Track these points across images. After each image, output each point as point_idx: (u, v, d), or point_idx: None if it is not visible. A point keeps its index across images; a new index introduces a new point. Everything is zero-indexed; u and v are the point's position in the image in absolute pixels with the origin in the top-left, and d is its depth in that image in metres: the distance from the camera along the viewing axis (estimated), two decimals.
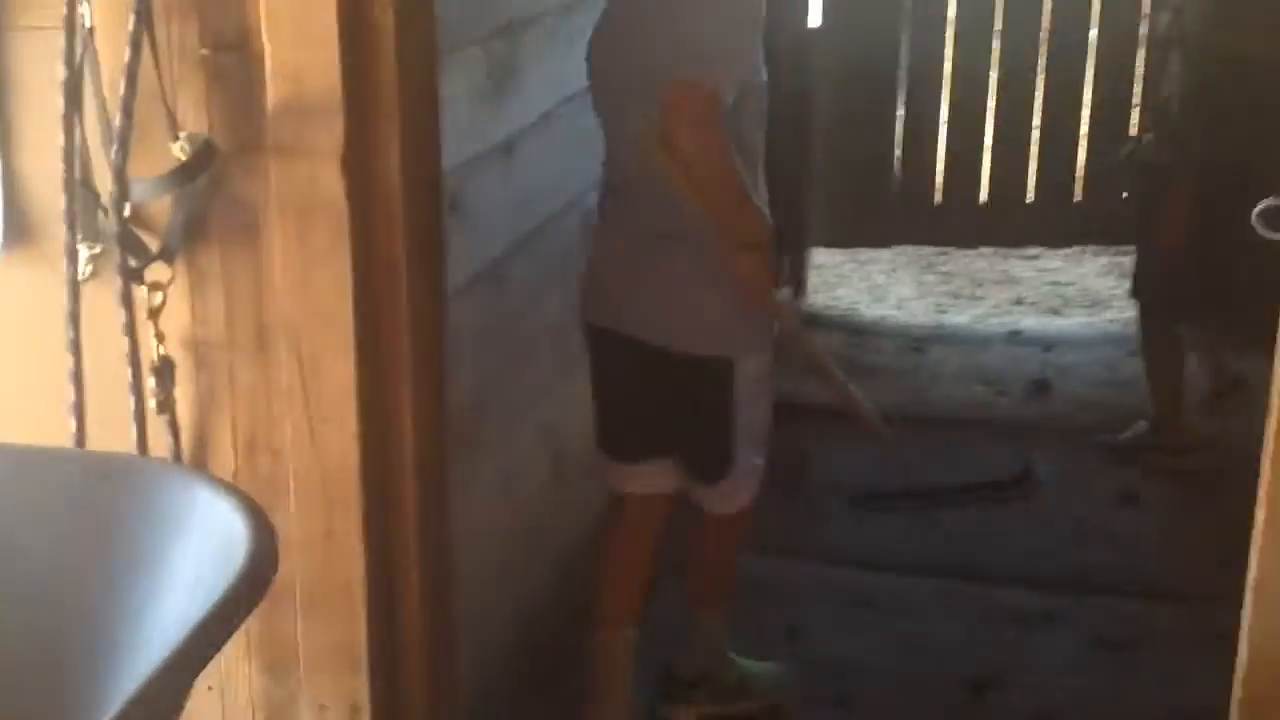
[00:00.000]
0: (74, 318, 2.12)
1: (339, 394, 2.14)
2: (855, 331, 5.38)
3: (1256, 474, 1.90)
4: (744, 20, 2.75)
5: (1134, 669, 3.21)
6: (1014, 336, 5.29)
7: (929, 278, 6.38)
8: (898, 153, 6.18)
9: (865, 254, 6.49)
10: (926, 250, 6.54)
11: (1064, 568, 3.66)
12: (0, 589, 1.76)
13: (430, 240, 2.19)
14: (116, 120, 2.04)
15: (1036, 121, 6.20)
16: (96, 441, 2.16)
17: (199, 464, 2.23)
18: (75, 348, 2.13)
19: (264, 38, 2.02)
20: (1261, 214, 1.80)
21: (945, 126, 6.33)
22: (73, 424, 2.15)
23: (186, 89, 2.09)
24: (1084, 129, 6.11)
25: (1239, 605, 1.76)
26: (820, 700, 3.16)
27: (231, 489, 1.69)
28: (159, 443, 2.19)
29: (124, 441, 2.16)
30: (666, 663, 3.17)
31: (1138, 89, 5.75)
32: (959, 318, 5.67)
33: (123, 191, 2.05)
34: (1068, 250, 6.56)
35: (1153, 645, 3.29)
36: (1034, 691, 3.16)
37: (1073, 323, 5.55)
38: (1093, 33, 6.04)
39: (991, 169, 6.27)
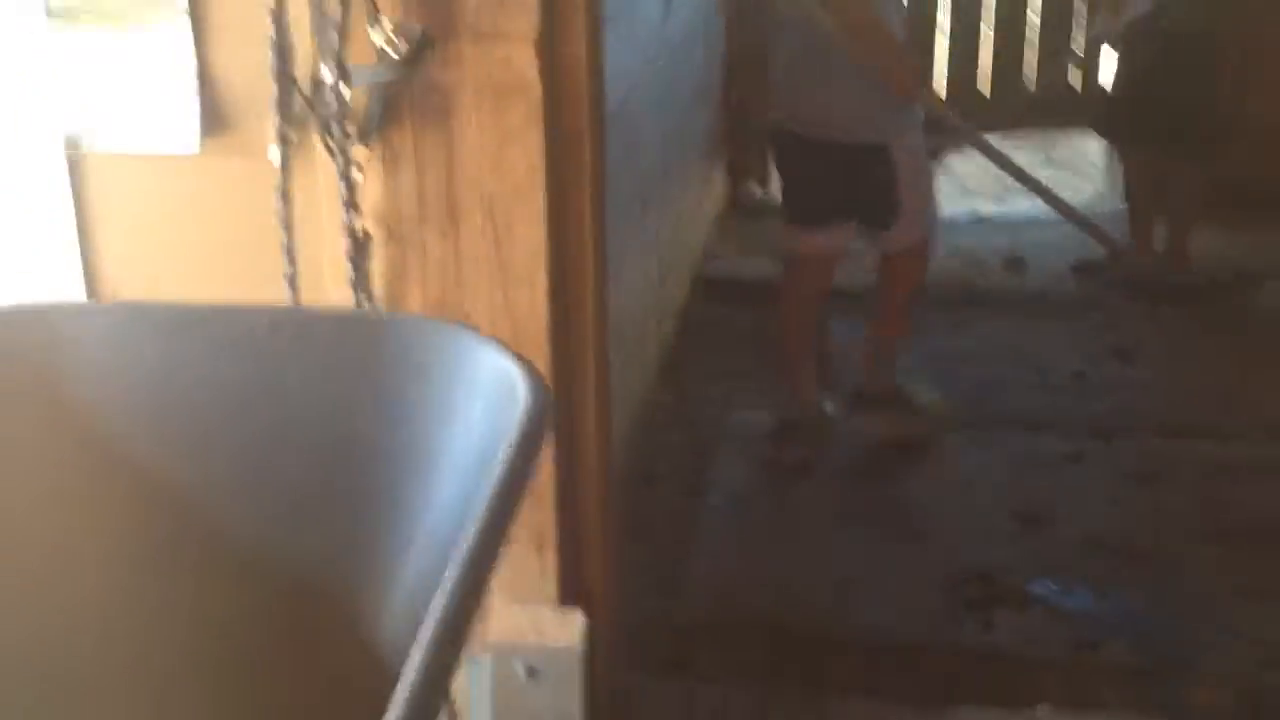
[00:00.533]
0: (285, 195, 2.32)
1: (530, 259, 2.37)
2: None
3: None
4: None
5: (1166, 498, 3.59)
6: (980, 220, 5.63)
7: None
8: None
9: None
10: None
11: (1079, 413, 4.04)
12: (282, 443, 1.83)
13: (602, 117, 2.42)
14: (331, 7, 2.22)
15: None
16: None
17: None
18: (287, 223, 2.33)
19: None
20: None
21: None
22: (289, 293, 2.35)
23: None
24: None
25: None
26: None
27: (497, 342, 1.71)
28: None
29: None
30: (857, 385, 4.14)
31: None
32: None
33: (343, 76, 2.24)
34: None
35: (1178, 476, 3.67)
36: (1078, 522, 3.52)
37: (1034, 205, 5.90)
38: None
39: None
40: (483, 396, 1.68)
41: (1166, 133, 4.65)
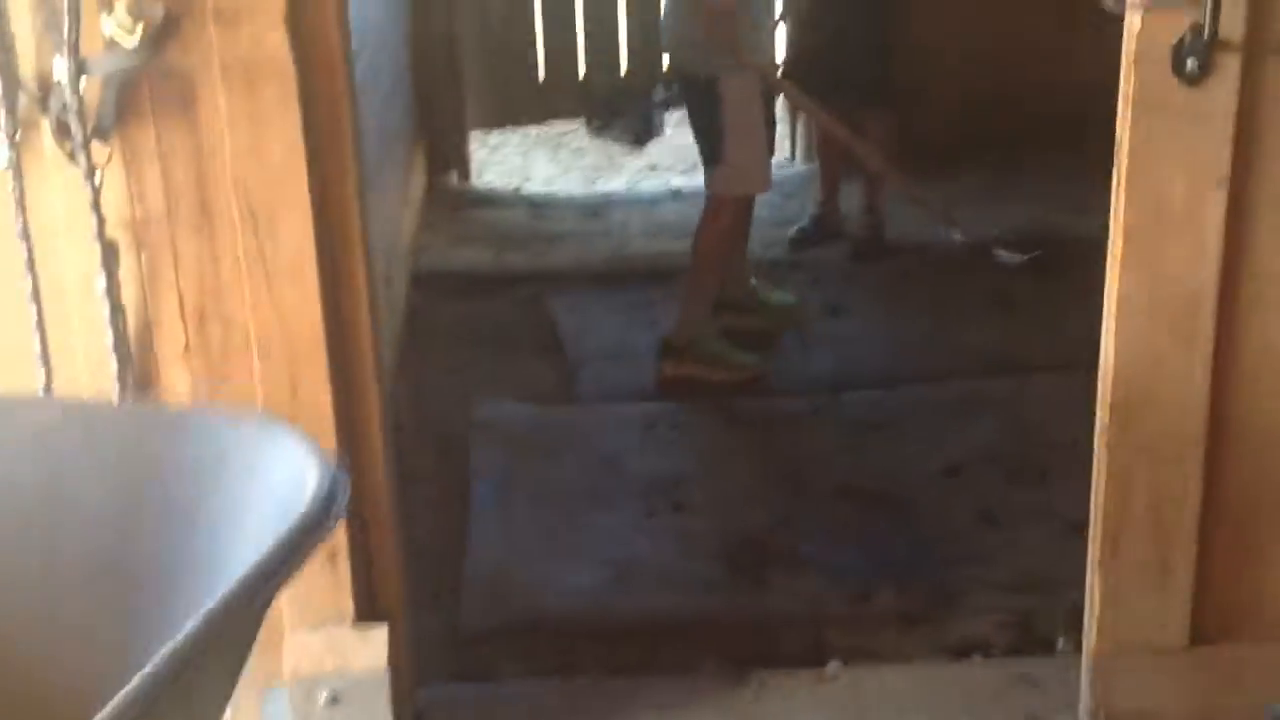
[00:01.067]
0: (21, 203, 2.11)
1: (296, 251, 2.22)
2: (533, 205, 5.63)
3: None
4: None
5: (898, 443, 3.72)
6: (677, 194, 5.68)
7: (564, 155, 6.68)
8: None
9: (494, 138, 6.72)
10: (549, 131, 6.85)
11: (805, 372, 4.14)
12: (56, 542, 1.68)
13: (355, 95, 2.29)
14: None
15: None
16: (54, 324, 2.17)
17: (145, 344, 2.26)
18: (24, 234, 2.12)
19: None
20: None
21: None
22: (33, 310, 2.14)
23: None
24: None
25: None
26: None
27: (297, 433, 1.59)
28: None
29: (83, 326, 2.18)
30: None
31: None
32: (614, 185, 6.01)
33: (79, 68, 2.05)
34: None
35: (904, 420, 3.80)
36: (827, 477, 3.59)
37: None
38: None
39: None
40: (274, 495, 1.56)
41: (845, 83, 4.74)
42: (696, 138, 4.20)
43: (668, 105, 6.31)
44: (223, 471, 1.61)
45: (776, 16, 4.28)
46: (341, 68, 2.20)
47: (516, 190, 5.92)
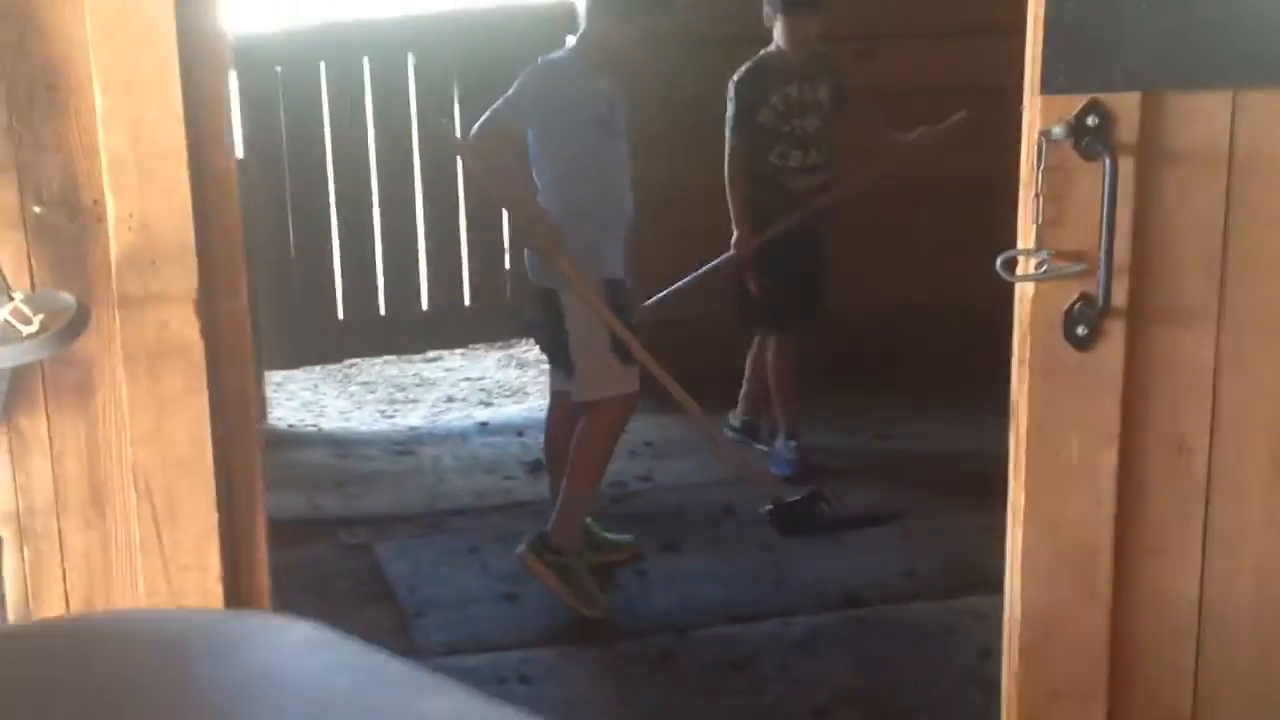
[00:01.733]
0: None
1: (199, 539, 2.11)
2: (337, 444, 5.50)
3: None
4: None
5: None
6: (484, 427, 5.64)
7: (354, 389, 6.58)
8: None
9: (278, 375, 6.58)
10: (331, 366, 6.74)
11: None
12: None
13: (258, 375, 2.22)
14: None
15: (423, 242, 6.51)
16: None
17: None
18: None
19: (106, 190, 1.99)
20: (1004, 263, 2.30)
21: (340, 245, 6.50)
22: None
23: (6, 248, 2.00)
24: (464, 246, 6.48)
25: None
26: None
27: None
28: None
29: None
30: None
31: None
32: (414, 420, 5.93)
33: None
34: (463, 350, 7.02)
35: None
36: None
37: (521, 408, 5.99)
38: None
39: (385, 285, 6.51)
40: None
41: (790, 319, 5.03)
42: (547, 349, 4.34)
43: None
44: None
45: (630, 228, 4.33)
46: (249, 349, 2.12)
47: (316, 428, 5.78)
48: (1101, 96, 2.21)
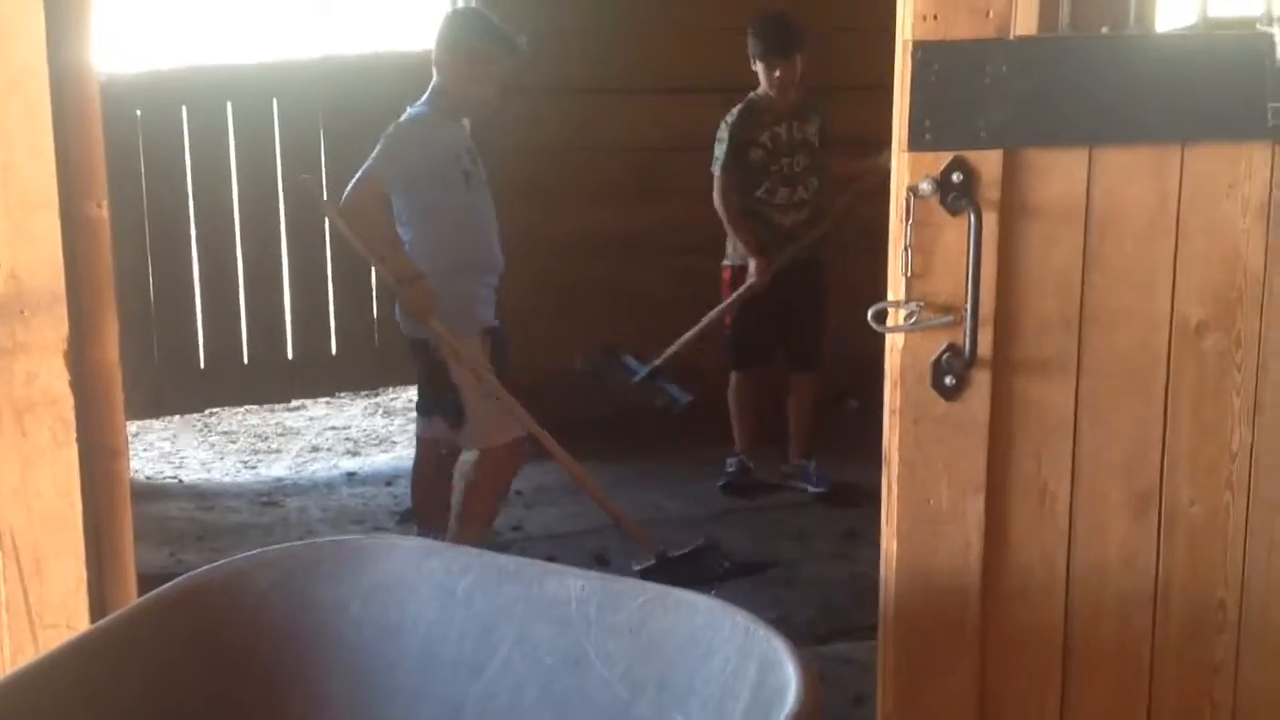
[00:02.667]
0: None
1: (66, 597, 2.06)
2: (201, 496, 5.40)
3: None
4: None
5: None
6: (352, 478, 5.58)
7: (214, 438, 6.48)
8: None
9: (133, 425, 6.45)
10: (191, 416, 6.62)
11: None
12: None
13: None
14: None
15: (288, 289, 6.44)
16: None
17: None
18: None
19: None
20: (875, 314, 2.35)
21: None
22: None
23: None
24: (330, 294, 6.42)
25: None
26: None
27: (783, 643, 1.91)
28: None
29: None
30: None
31: None
32: (278, 471, 5.85)
33: None
34: (328, 399, 6.94)
35: None
36: None
37: (389, 457, 5.94)
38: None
39: (248, 332, 6.43)
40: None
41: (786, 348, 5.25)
42: (433, 399, 4.31)
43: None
44: (711, 659, 1.97)
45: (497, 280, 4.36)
46: (119, 400, 2.09)
47: (177, 479, 5.67)
48: (965, 154, 2.28)
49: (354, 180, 4.11)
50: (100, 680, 1.89)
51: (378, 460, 5.96)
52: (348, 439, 6.42)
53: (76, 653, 1.86)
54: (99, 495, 2.07)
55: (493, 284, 4.30)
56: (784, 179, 5.14)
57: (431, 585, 2.19)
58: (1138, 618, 2.50)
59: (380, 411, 6.81)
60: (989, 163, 2.29)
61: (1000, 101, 2.29)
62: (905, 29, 2.25)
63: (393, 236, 4.12)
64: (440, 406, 4.26)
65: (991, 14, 2.25)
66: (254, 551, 2.24)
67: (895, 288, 2.31)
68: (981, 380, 2.34)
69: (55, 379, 1.99)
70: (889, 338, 2.34)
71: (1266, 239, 2.44)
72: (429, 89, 4.30)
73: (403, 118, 4.29)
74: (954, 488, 2.37)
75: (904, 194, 2.28)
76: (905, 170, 2.28)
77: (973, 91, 2.27)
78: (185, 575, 2.12)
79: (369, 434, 6.50)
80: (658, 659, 2.03)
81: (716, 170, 5.13)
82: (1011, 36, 2.27)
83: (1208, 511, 2.50)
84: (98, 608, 2.08)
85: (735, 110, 5.12)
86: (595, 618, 2.09)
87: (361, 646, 2.19)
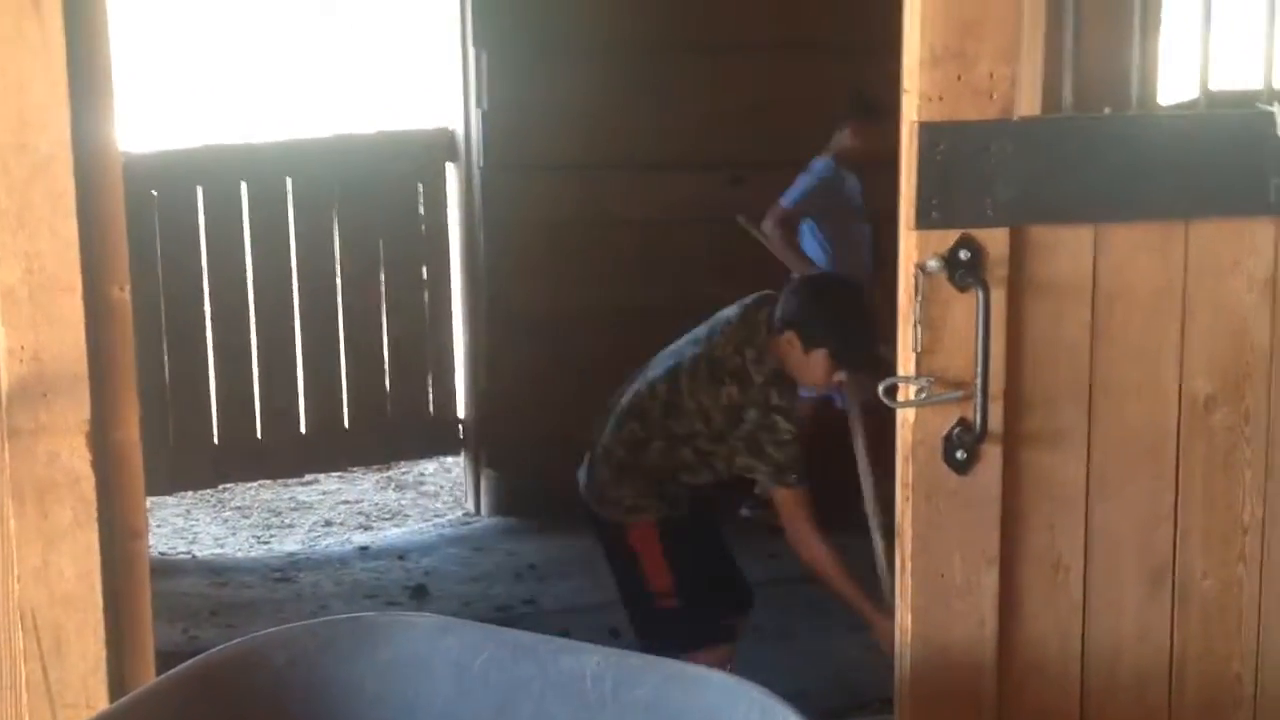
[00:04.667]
0: None
1: (85, 677, 2.08)
2: (214, 572, 5.41)
3: None
4: None
5: None
6: (365, 552, 5.59)
7: (228, 514, 6.49)
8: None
9: (147, 501, 6.45)
10: (205, 491, 6.64)
11: None
12: None
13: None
14: None
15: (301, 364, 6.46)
16: None
17: None
18: None
19: None
20: (886, 390, 2.37)
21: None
22: None
23: None
24: (343, 370, 6.44)
25: None
26: None
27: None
28: None
29: None
30: None
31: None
32: (291, 546, 5.86)
33: None
34: (340, 473, 6.96)
35: None
36: None
37: (400, 531, 5.95)
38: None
39: (261, 408, 6.44)
40: None
41: None
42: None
43: None
44: None
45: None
46: (139, 480, 2.11)
47: (190, 555, 5.68)
48: (972, 232, 2.31)
49: None
50: None
51: (390, 534, 5.96)
52: (360, 513, 6.43)
53: None
54: (119, 575, 2.09)
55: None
56: None
57: (447, 662, 2.20)
58: (1153, 693, 2.50)
59: (392, 485, 6.82)
60: (996, 240, 2.32)
61: (1006, 181, 2.32)
62: (911, 110, 2.29)
63: None
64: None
65: (995, 96, 2.29)
66: (269, 630, 2.25)
67: (905, 363, 2.33)
68: (993, 454, 2.36)
69: (77, 459, 2.01)
70: (900, 413, 2.36)
71: (1273, 314, 2.46)
72: None
73: None
74: (967, 561, 2.38)
75: (912, 271, 2.31)
76: (913, 248, 2.31)
77: (979, 171, 2.31)
78: (202, 655, 2.13)
79: (380, 508, 6.51)
80: None
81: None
82: (1015, 117, 2.30)
83: (1221, 585, 2.51)
84: (116, 687, 2.09)
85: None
86: (611, 694, 2.10)
87: None
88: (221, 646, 2.17)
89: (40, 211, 1.99)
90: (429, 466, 6.76)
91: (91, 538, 2.04)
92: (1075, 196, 2.37)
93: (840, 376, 3.51)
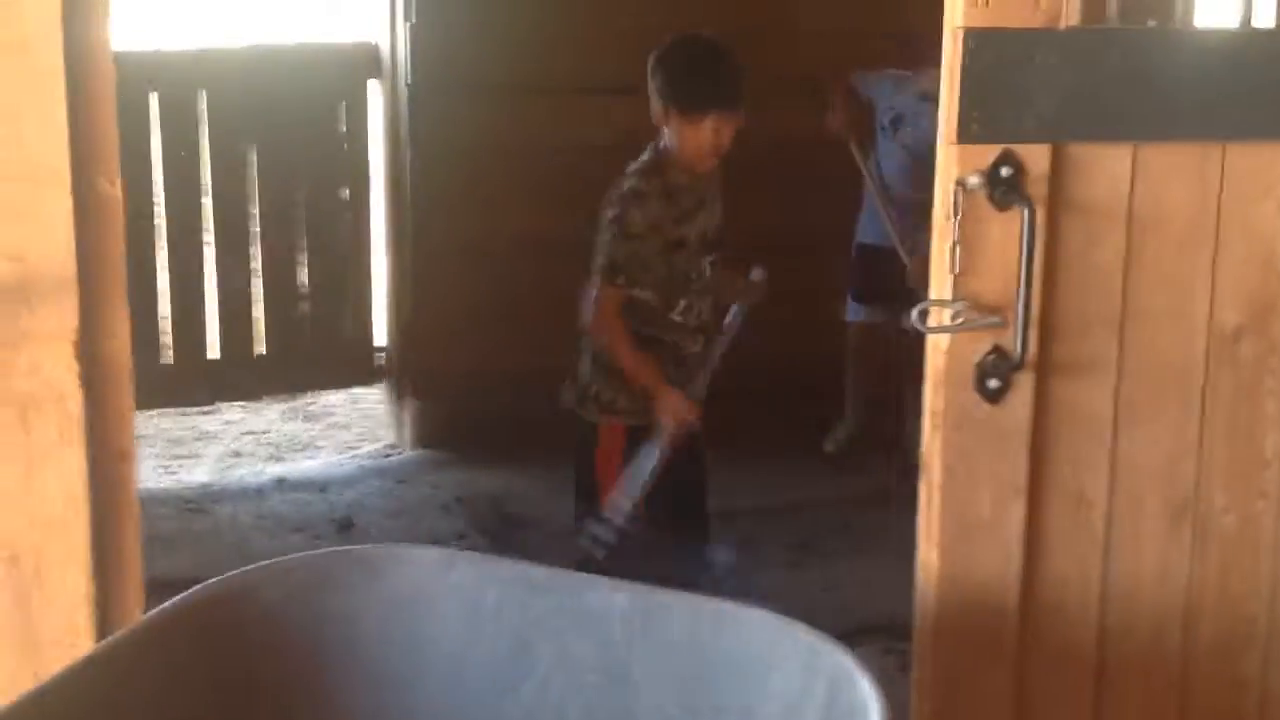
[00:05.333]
0: None
1: (70, 613, 1.89)
2: None
3: None
4: None
5: None
6: (282, 484, 5.37)
7: None
8: None
9: None
10: None
11: None
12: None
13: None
14: None
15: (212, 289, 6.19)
16: None
17: None
18: None
19: None
20: (919, 314, 2.25)
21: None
22: None
23: None
24: (258, 295, 6.18)
25: None
26: None
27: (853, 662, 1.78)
28: None
29: None
30: None
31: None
32: (201, 476, 5.62)
33: None
34: (243, 403, 6.71)
35: None
36: None
37: (317, 464, 5.73)
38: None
39: (172, 334, 6.18)
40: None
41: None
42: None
43: None
44: (771, 676, 1.86)
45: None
46: (129, 397, 1.92)
47: None
48: (1014, 147, 2.19)
49: None
50: (108, 700, 1.73)
51: (306, 466, 5.74)
52: (269, 444, 6.19)
53: (83, 672, 1.70)
54: (105, 500, 1.90)
55: None
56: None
57: (456, 598, 2.05)
58: (1169, 634, 2.43)
59: (300, 416, 6.57)
60: (1037, 157, 2.21)
61: (1049, 94, 2.20)
62: (956, 15, 2.15)
63: None
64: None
65: (1042, 3, 2.17)
66: (261, 563, 2.08)
67: (940, 286, 2.21)
68: (1025, 383, 2.25)
69: (63, 371, 1.81)
70: (931, 339, 2.24)
71: None
72: None
73: None
74: (995, 496, 2.28)
75: (951, 188, 2.18)
76: (953, 163, 2.18)
77: (1022, 82, 2.19)
78: (191, 591, 1.96)
79: (291, 439, 6.26)
80: (711, 678, 1.91)
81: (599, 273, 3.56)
82: (1062, 27, 2.18)
83: (1241, 521, 2.44)
84: (102, 624, 1.90)
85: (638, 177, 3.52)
86: (640, 634, 1.96)
87: (380, 663, 2.04)
88: (211, 582, 2.00)
89: (22, 91, 1.78)
90: (337, 397, 6.54)
91: (78, 458, 1.84)
92: (1116, 113, 2.25)
93: (712, 136, 3.43)
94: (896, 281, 5.03)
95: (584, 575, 2.11)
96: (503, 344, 5.36)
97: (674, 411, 3.47)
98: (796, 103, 4.91)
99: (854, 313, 5.33)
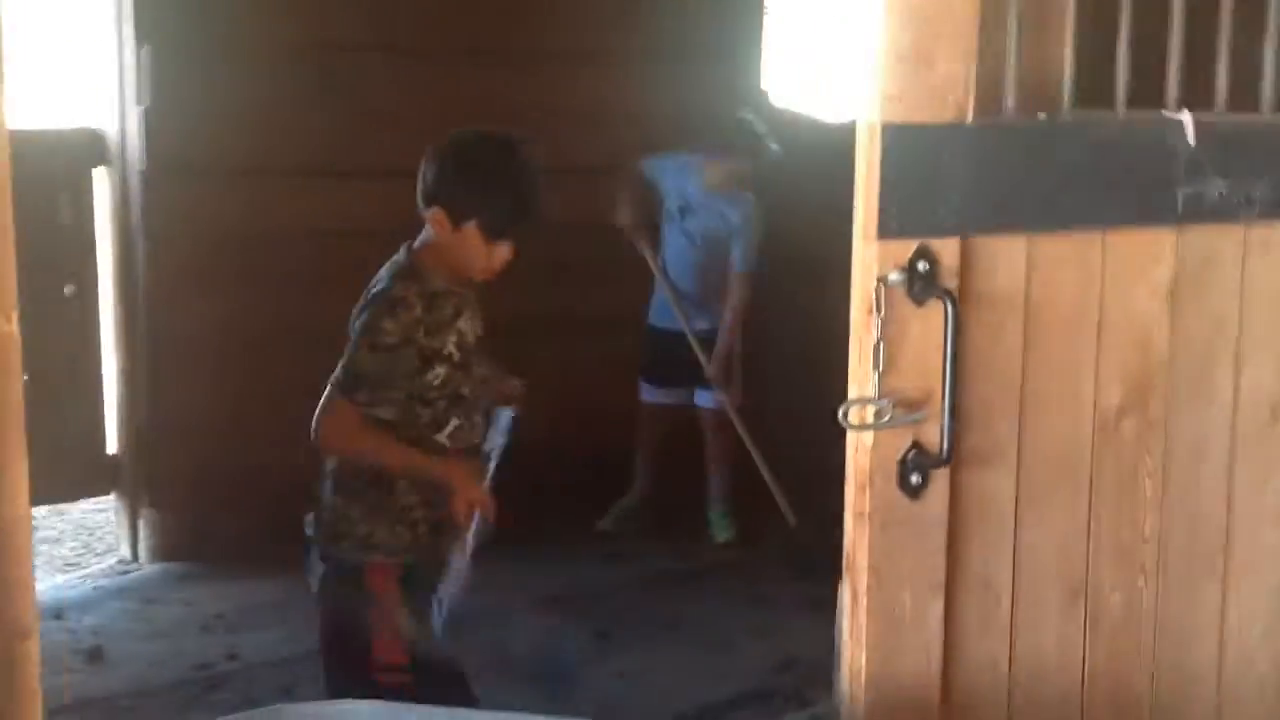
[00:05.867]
0: None
1: None
2: None
3: None
4: None
5: None
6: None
7: None
8: None
9: None
10: None
11: None
12: None
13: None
14: None
15: None
16: None
17: None
18: None
19: None
20: (844, 413, 2.18)
21: None
22: None
23: None
24: None
25: None
26: None
27: None
28: None
29: None
30: None
31: None
32: None
33: None
34: None
35: None
36: None
37: (43, 586, 5.22)
38: None
39: None
40: None
41: None
42: None
43: None
44: None
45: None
46: (29, 568, 1.66)
47: None
48: (929, 241, 2.18)
49: None
50: None
51: (44, 585, 5.24)
52: None
53: None
54: (3, 687, 1.62)
55: None
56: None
57: None
58: (1070, 715, 2.45)
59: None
60: (949, 251, 2.20)
61: (956, 187, 2.20)
62: (873, 111, 2.13)
63: None
64: None
65: (950, 98, 2.17)
66: None
67: (862, 384, 2.17)
68: (943, 477, 2.23)
69: None
70: (854, 437, 2.20)
71: (1172, 323, 2.46)
72: None
73: None
74: (916, 593, 2.25)
75: (873, 285, 2.15)
76: (874, 260, 2.15)
77: (933, 176, 2.18)
78: None
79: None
80: None
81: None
82: (969, 120, 2.19)
83: (1125, 599, 2.49)
84: None
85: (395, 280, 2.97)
86: None
87: None
88: None
89: None
90: (40, 509, 6.02)
91: None
92: (1015, 206, 2.28)
93: (504, 254, 2.95)
94: (686, 365, 5.04)
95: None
96: (243, 445, 5.05)
97: (472, 498, 2.93)
98: (585, 188, 4.82)
99: (647, 393, 5.31)
